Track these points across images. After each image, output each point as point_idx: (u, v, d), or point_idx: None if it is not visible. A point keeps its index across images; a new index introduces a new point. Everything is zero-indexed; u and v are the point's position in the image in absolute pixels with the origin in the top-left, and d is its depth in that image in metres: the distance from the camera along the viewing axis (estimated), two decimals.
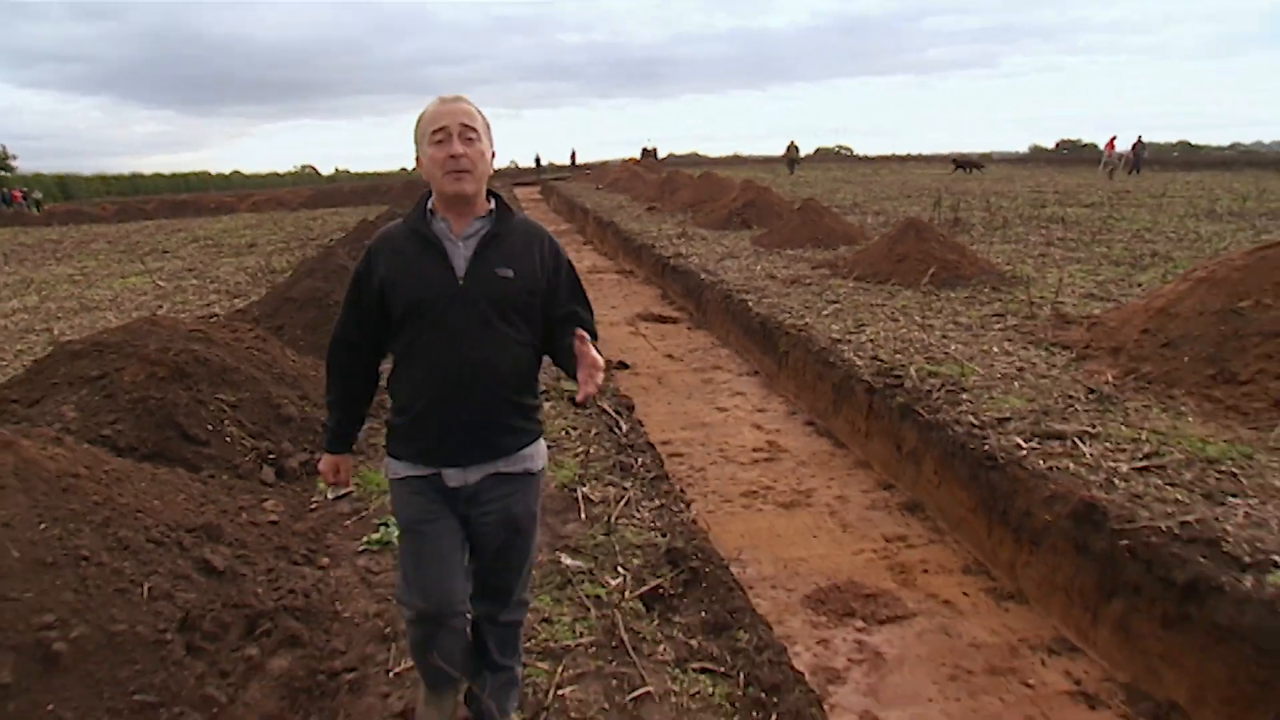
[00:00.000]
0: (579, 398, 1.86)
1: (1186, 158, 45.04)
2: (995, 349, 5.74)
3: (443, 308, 1.91)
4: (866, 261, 9.01)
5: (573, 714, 2.21)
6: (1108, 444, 3.97)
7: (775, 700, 2.24)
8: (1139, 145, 32.18)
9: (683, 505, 3.64)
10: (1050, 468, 3.74)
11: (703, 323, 8.74)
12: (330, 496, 2.49)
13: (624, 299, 10.38)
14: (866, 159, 64.47)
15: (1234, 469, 3.60)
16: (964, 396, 4.74)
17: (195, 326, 4.82)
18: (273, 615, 2.52)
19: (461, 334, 1.91)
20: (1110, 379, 4.93)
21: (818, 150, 75.88)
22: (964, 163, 35.52)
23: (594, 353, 1.87)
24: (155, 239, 19.29)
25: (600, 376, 1.86)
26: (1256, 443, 3.87)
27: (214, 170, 73.80)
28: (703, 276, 9.22)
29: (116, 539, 2.42)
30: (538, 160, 52.05)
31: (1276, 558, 2.85)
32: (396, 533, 2.20)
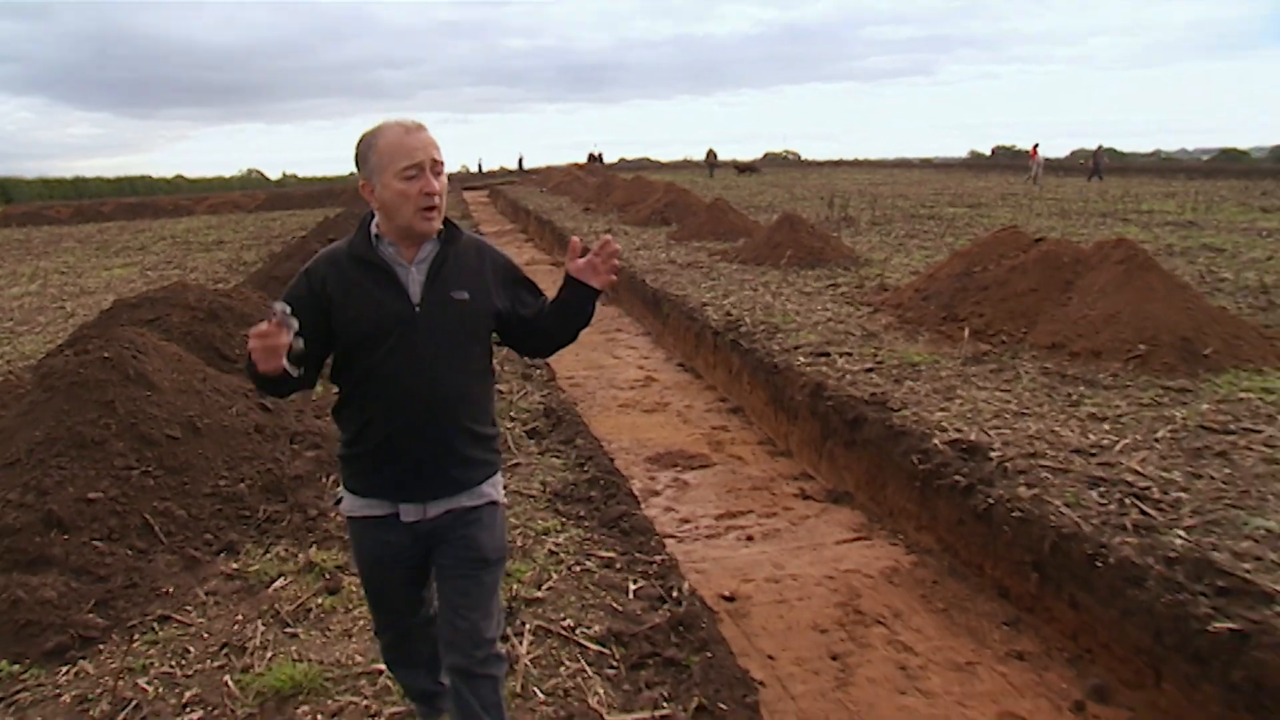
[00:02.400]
0: (599, 283, 2.00)
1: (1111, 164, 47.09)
2: (818, 307, 7.69)
3: (399, 336, 1.84)
4: (750, 249, 10.97)
5: None
6: (854, 358, 5.91)
7: (589, 460, 4.09)
8: (1099, 153, 34.35)
9: (561, 390, 5.48)
10: (811, 371, 5.66)
11: (614, 299, 10.62)
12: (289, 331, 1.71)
13: (552, 283, 12.01)
14: (814, 164, 66.89)
15: (922, 368, 5.57)
16: (778, 335, 6.65)
17: (214, 289, 6.52)
18: (303, 434, 4.30)
19: (420, 362, 1.85)
20: (883, 324, 6.91)
21: (766, 155, 78.04)
22: (743, 168, 41.88)
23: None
24: (122, 238, 20.51)
25: (615, 262, 2.02)
26: (946, 355, 5.86)
27: (155, 174, 72.85)
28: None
29: (213, 386, 4.17)
30: (480, 166, 53.79)
31: (909, 404, 4.79)
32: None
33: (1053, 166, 35.52)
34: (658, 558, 3.16)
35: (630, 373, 7.46)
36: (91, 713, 2.33)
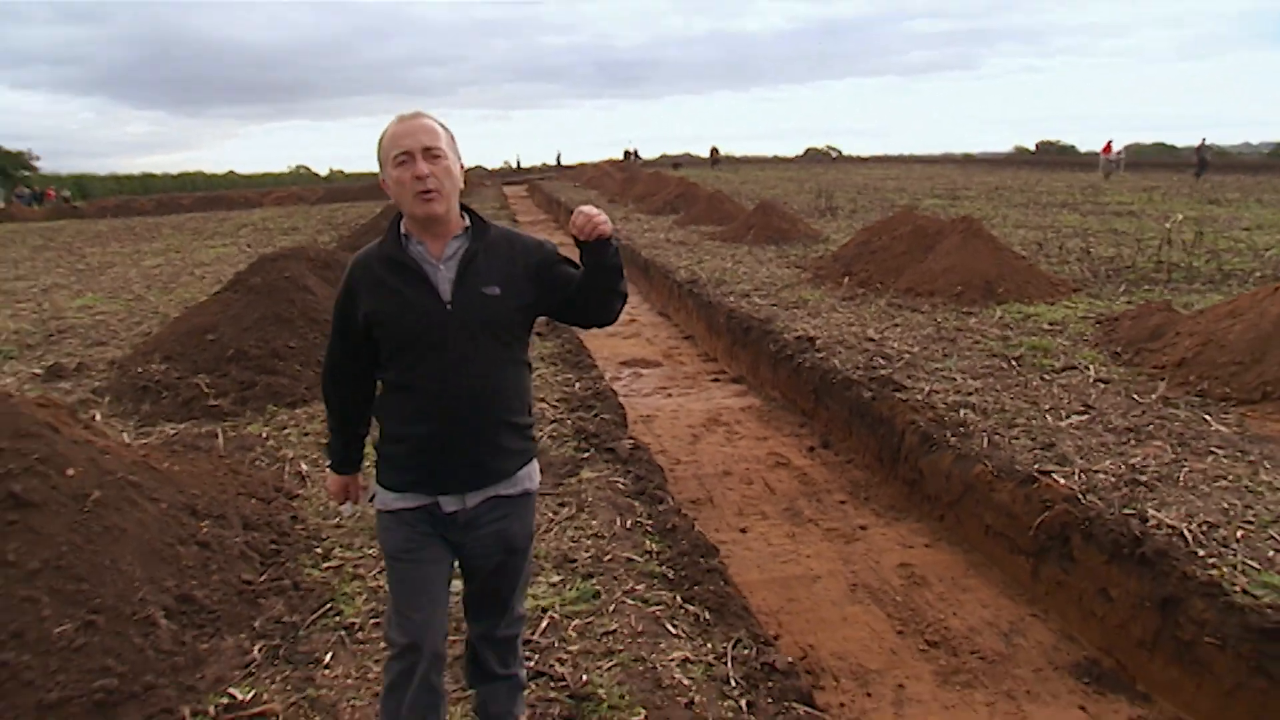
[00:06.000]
0: (591, 237, 1.92)
1: (1159, 159, 44.40)
2: (762, 269, 10.19)
3: (434, 334, 1.89)
4: (732, 230, 13.48)
5: None
6: (766, 297, 8.42)
7: (566, 341, 6.70)
8: (1204, 147, 30.84)
9: None
10: (733, 304, 8.18)
11: None
12: (347, 514, 2.57)
13: (572, 258, 14.87)
14: (852, 160, 68.00)
15: (809, 302, 8.07)
16: (723, 286, 9.18)
17: (323, 249, 9.28)
18: None
19: (455, 359, 1.90)
20: (803, 279, 9.41)
21: (807, 151, 79.30)
22: (668, 162, 49.01)
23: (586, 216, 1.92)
24: (208, 226, 23.64)
25: (599, 221, 1.91)
26: (831, 296, 8.35)
27: (208, 170, 76.47)
28: (622, 241, 13.70)
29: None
30: (518, 162, 57.25)
31: (786, 321, 7.30)
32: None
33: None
34: (593, 374, 5.79)
35: (621, 316, 10.06)
36: (318, 418, 5.01)
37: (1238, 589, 2.70)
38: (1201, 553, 2.96)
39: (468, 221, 1.98)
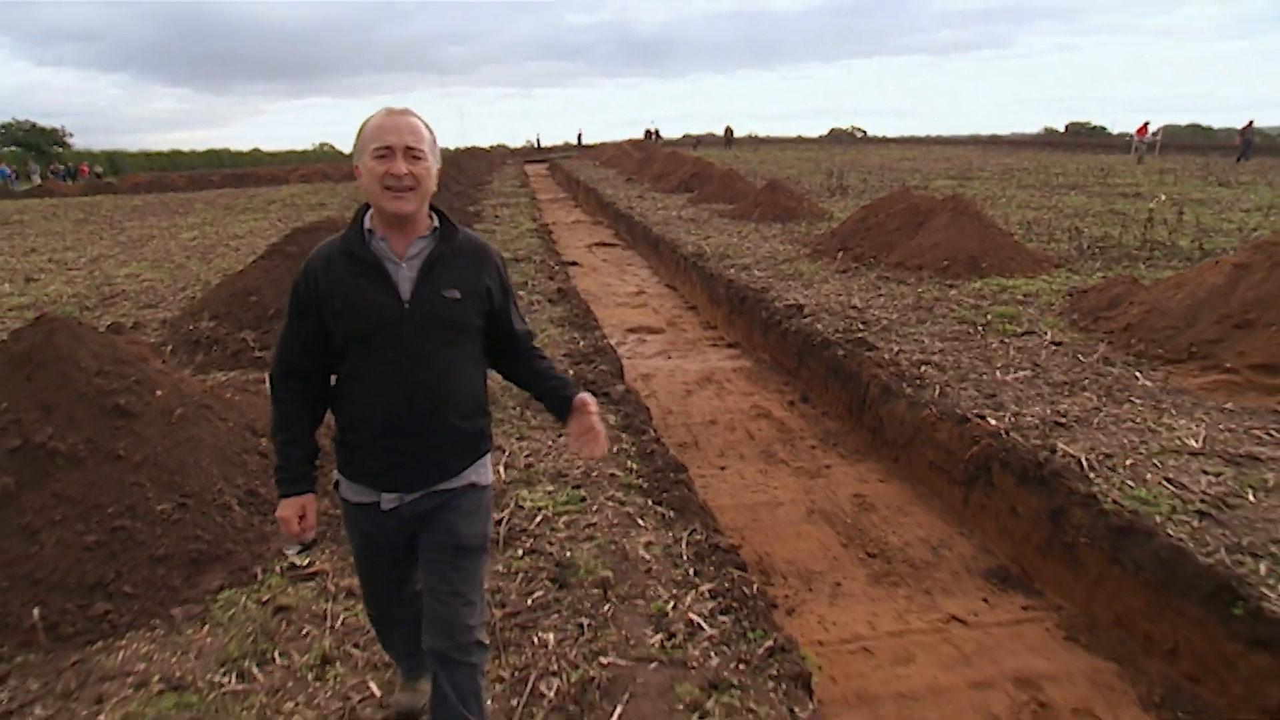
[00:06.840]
0: (584, 454, 2.01)
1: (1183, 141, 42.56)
2: (765, 245, 10.72)
3: (388, 333, 1.87)
4: (741, 208, 13.99)
5: None
6: (765, 269, 8.97)
7: (579, 315, 7.32)
8: (1249, 130, 29.44)
9: (579, 294, 8.71)
10: (733, 276, 8.74)
11: (631, 245, 13.81)
12: (292, 553, 2.14)
13: (588, 234, 15.49)
14: (880, 140, 67.40)
15: (804, 274, 8.61)
16: (725, 259, 9.73)
17: None
18: None
19: (408, 360, 1.88)
20: (802, 253, 9.93)
21: (831, 131, 78.89)
22: (689, 142, 51.08)
23: (597, 423, 1.99)
24: (239, 201, 24.43)
25: (601, 445, 2.00)
26: (826, 269, 8.88)
27: (234, 148, 77.27)
28: (636, 218, 14.26)
29: None
30: (538, 141, 58.17)
31: (780, 291, 7.85)
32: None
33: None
34: (597, 334, 6.41)
35: (630, 288, 10.66)
36: None
37: (1110, 500, 3.26)
38: (1092, 475, 3.52)
39: (436, 223, 1.96)
